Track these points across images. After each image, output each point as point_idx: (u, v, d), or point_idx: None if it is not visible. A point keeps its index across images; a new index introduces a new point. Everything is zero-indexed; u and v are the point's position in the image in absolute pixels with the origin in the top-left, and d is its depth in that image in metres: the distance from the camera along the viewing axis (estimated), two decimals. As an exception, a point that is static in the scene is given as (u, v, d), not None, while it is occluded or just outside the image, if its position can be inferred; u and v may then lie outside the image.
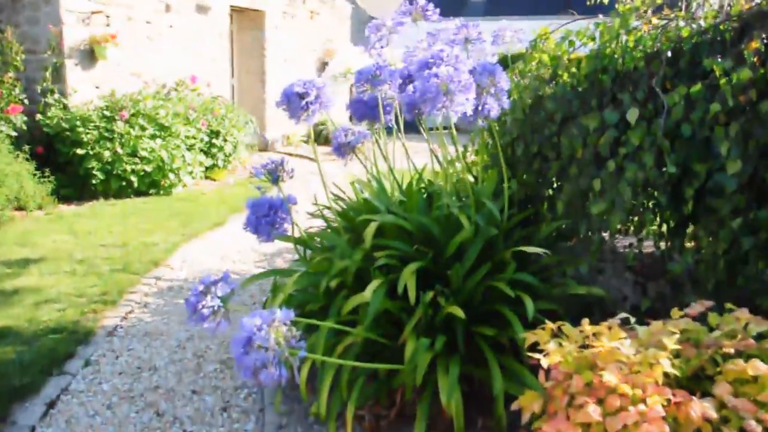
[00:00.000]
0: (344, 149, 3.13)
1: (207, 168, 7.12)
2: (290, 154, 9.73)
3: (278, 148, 9.95)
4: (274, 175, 2.49)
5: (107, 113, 6.02)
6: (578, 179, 2.52)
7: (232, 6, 8.73)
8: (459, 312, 2.06)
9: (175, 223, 5.28)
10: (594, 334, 1.43)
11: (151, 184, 6.19)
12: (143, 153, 5.99)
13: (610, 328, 1.46)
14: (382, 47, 3.16)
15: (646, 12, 2.82)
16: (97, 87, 6.55)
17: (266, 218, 2.39)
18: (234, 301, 3.66)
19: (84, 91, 6.39)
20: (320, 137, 11.08)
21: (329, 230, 2.80)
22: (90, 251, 4.40)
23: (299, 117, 2.34)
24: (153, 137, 6.14)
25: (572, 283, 2.35)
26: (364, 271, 2.38)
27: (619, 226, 2.49)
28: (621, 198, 2.32)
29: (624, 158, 2.35)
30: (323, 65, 11.31)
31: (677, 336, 1.35)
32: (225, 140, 7.25)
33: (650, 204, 2.37)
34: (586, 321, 1.50)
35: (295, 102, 2.30)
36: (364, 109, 2.83)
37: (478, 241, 2.32)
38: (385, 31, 3.02)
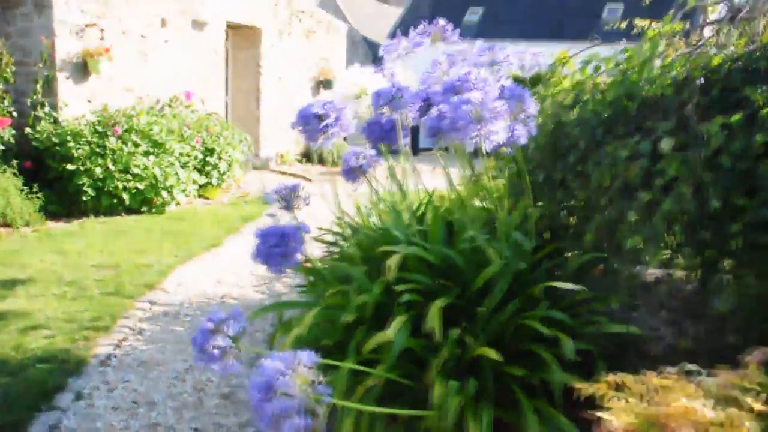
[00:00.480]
0: (356, 173, 2.98)
1: (201, 186, 6.94)
2: (284, 173, 9.59)
3: (272, 166, 9.79)
4: (289, 202, 2.33)
5: (99, 128, 5.85)
6: (608, 210, 2.41)
7: (228, 22, 8.63)
8: (492, 354, 1.91)
9: (168, 244, 5.09)
10: (660, 387, 1.30)
11: (143, 202, 6.00)
12: (136, 170, 5.81)
13: (675, 379, 1.33)
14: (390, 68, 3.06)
15: (673, 38, 2.74)
16: (89, 101, 6.37)
17: (278, 248, 2.22)
18: (233, 329, 3.48)
19: (75, 105, 6.22)
20: (314, 156, 10.96)
21: (341, 259, 2.64)
22: (80, 272, 4.20)
23: (317, 139, 2.20)
24: (146, 154, 5.96)
25: (605, 320, 2.22)
26: (382, 305, 2.23)
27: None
28: (655, 232, 2.21)
29: (660, 190, 2.24)
30: (318, 84, 11.24)
31: (763, 395, 1.23)
32: (219, 158, 7.09)
33: (688, 238, 2.25)
34: (651, 374, 1.37)
35: (313, 124, 2.17)
36: (379, 132, 2.70)
37: (507, 276, 2.19)
38: (402, 51, 2.91)
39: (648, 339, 2.23)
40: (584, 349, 2.12)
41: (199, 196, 7.03)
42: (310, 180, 9.24)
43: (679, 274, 2.39)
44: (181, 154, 6.35)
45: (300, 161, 10.75)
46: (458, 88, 2.20)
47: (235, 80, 9.40)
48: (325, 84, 11.35)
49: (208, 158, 6.94)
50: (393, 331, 1.97)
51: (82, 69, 6.27)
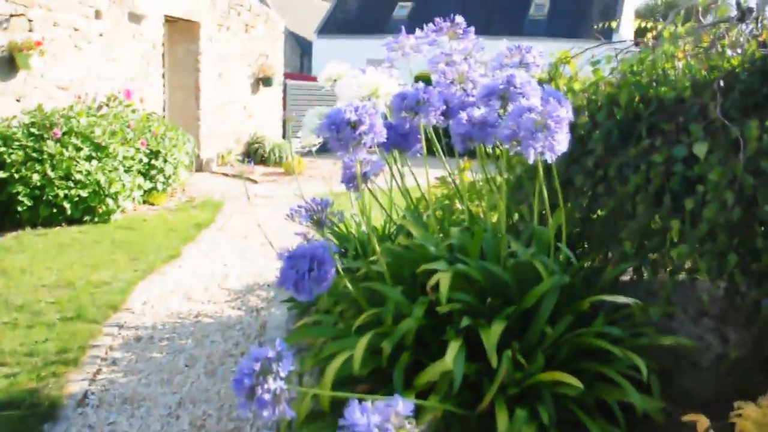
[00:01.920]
0: (354, 181, 2.74)
1: (146, 192, 6.45)
2: (227, 175, 9.15)
3: (214, 168, 9.32)
4: (322, 221, 2.09)
5: (35, 131, 5.29)
6: (640, 217, 2.32)
7: (166, 16, 8.09)
8: (570, 379, 1.76)
9: (123, 257, 4.66)
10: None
11: (86, 211, 5.48)
12: (78, 176, 5.29)
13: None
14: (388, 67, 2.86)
15: (693, 38, 2.70)
16: (17, 101, 5.76)
17: (311, 273, 1.97)
18: (219, 352, 3.19)
19: (2, 106, 5.60)
20: (255, 156, 10.55)
21: (365, 277, 2.41)
22: (30, 294, 3.74)
23: (348, 149, 1.97)
24: (89, 158, 5.45)
25: (651, 332, 2.13)
26: (422, 328, 2.04)
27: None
28: (695, 239, 2.14)
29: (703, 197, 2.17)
30: (258, 81, 10.81)
31: None
32: (165, 161, 6.62)
33: (733, 245, 2.19)
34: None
35: (345, 132, 1.93)
36: (394, 137, 2.49)
37: (554, 291, 2.05)
38: (408, 49, 2.71)
39: (697, 349, 2.16)
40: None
41: (144, 202, 6.54)
42: (255, 181, 8.87)
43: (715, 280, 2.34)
44: (125, 158, 5.86)
45: (242, 161, 10.30)
46: (502, 93, 2.03)
47: (174, 77, 8.86)
48: (265, 81, 10.94)
49: (153, 161, 6.46)
50: (450, 359, 1.79)
51: (8, 65, 5.66)
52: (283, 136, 11.89)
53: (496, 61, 2.41)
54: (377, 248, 2.15)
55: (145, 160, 6.35)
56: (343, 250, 3.42)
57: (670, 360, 2.13)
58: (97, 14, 6.68)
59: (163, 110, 8.43)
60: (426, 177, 2.53)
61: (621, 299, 2.02)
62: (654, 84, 2.70)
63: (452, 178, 3.86)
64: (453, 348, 1.82)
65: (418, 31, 2.77)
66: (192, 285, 4.22)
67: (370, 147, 2.02)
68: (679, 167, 2.29)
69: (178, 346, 3.22)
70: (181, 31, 8.83)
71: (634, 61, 2.71)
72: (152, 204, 6.59)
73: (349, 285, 2.14)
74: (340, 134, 1.93)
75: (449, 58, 2.49)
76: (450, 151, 2.67)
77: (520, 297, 2.06)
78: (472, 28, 2.61)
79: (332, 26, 25.60)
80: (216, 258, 4.93)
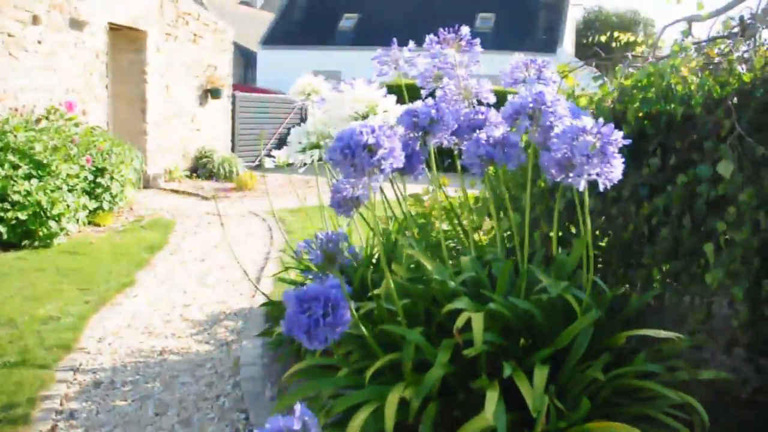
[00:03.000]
0: (349, 204, 2.48)
1: (91, 212, 5.96)
2: (176, 191, 8.68)
3: (161, 184, 8.81)
4: (336, 259, 1.82)
5: (-35, 147, 4.77)
6: (666, 242, 2.17)
7: (110, 23, 7.61)
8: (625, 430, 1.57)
9: (70, 286, 4.21)
10: None
11: (25, 235, 4.98)
12: (16, 197, 4.80)
13: None
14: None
15: (699, 54, 2.59)
16: (-56, 113, 5.22)
17: (326, 319, 1.70)
18: (192, 395, 2.85)
19: (-73, 119, 5.05)
20: (204, 171, 10.08)
21: (372, 318, 2.15)
22: (-37, 336, 3.28)
23: (363, 177, 1.72)
24: (27, 177, 4.96)
25: (686, 365, 1.97)
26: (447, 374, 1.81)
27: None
28: (727, 263, 2.01)
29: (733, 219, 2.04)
30: (206, 93, 10.36)
31: None
32: (112, 179, 6.15)
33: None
34: None
35: (361, 156, 1.68)
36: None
37: (590, 328, 1.86)
38: (402, 63, 2.49)
39: (734, 383, 2.01)
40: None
41: (89, 222, 6.04)
42: (206, 198, 8.42)
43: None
44: (69, 176, 5.38)
45: (189, 176, 9.82)
46: (531, 111, 1.84)
47: (118, 88, 8.34)
48: (214, 93, 10.50)
49: (99, 179, 5.98)
50: (491, 413, 1.56)
51: (-67, 74, 5.11)
52: (232, 150, 11.45)
53: (509, 76, 2.22)
54: (391, 284, 1.89)
55: (90, 177, 5.88)
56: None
57: (709, 395, 1.97)
58: (35, 20, 6.17)
59: (107, 124, 7.90)
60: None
61: (663, 334, 1.85)
62: (661, 100, 2.59)
63: (431, 195, 3.65)
64: (492, 400, 1.59)
65: (410, 43, 2.57)
66: (151, 317, 3.84)
67: (388, 174, 1.77)
68: (704, 188, 2.16)
69: (145, 391, 2.86)
70: (126, 39, 8.33)
71: (641, 76, 2.59)
72: (98, 225, 6.10)
73: (362, 328, 1.87)
74: (355, 159, 1.68)
75: (449, 71, 2.27)
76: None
77: (551, 335, 1.86)
78: (478, 40, 2.41)
79: (277, 37, 25.21)
80: (174, 285, 4.55)
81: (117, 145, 6.42)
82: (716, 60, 2.62)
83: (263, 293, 3.96)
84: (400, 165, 1.75)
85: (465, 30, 2.34)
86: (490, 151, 1.97)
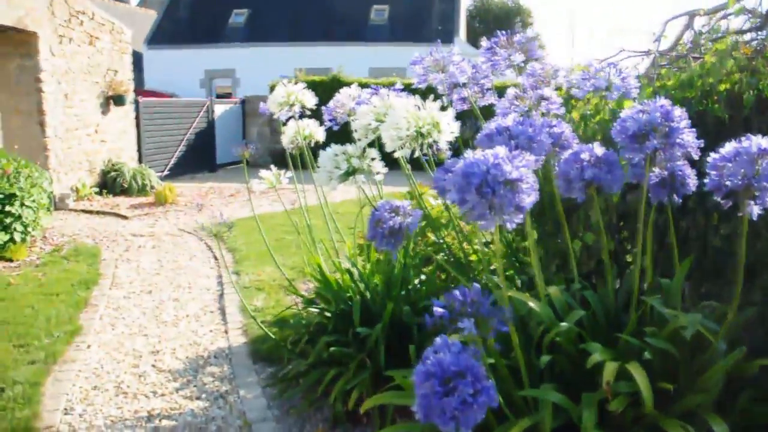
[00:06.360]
0: (396, 236, 2.15)
1: (1, 246, 5.12)
2: (90, 212, 7.78)
3: (71, 204, 7.85)
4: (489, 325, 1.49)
5: None
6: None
7: (-5, 25, 6.61)
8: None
9: (2, 344, 3.52)
10: None
11: (-73, 284, 4.14)
12: None
13: None
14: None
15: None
16: None
17: (476, 398, 1.35)
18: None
19: None
20: (115, 186, 9.16)
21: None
22: None
23: (499, 216, 1.40)
24: (-74, 214, 4.12)
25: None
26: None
27: None
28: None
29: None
30: (108, 100, 9.39)
31: None
32: (23, 205, 5.32)
33: None
34: None
35: (502, 195, 1.35)
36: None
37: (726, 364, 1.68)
38: (453, 68, 2.18)
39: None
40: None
41: (0, 259, 5.19)
42: (126, 217, 7.62)
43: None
44: (-26, 208, 4.56)
45: (99, 193, 8.87)
46: (661, 129, 1.61)
47: (8, 100, 7.29)
48: (117, 100, 9.55)
49: (8, 207, 5.14)
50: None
51: None
52: (140, 160, 10.51)
53: (587, 83, 1.97)
54: (515, 339, 1.60)
55: (-2, 207, 5.04)
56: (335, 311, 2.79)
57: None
58: None
59: None
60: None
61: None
62: (703, 101, 2.47)
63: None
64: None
65: (453, 47, 2.26)
66: (119, 372, 3.27)
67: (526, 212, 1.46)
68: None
69: (149, 475, 2.37)
70: (12, 43, 7.30)
71: (685, 76, 2.45)
72: (10, 260, 5.26)
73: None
74: (494, 198, 1.36)
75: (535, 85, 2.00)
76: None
77: (688, 374, 1.66)
78: (537, 44, 2.15)
79: (163, 36, 23.72)
80: (128, 327, 3.95)
81: (25, 167, 5.56)
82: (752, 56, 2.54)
83: (268, 332, 3.51)
84: (535, 199, 1.46)
85: (531, 33, 2.06)
86: (597, 174, 1.73)
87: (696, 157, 1.78)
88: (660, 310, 1.73)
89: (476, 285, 1.47)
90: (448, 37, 21.32)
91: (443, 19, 22.68)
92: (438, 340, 1.46)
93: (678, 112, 1.63)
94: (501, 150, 1.43)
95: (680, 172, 1.86)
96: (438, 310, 1.45)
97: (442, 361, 1.38)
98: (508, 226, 1.42)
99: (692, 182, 1.89)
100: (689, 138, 1.71)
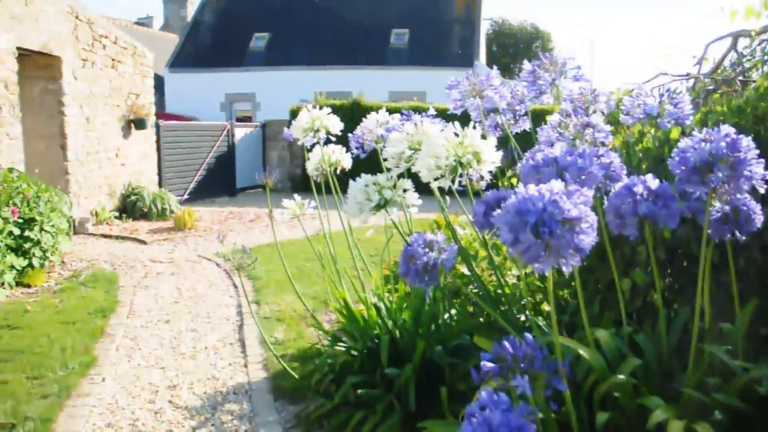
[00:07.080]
0: (430, 274, 1.99)
1: (19, 272, 5.05)
2: (110, 236, 7.73)
3: (90, 229, 7.82)
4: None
5: None
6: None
7: (19, 48, 6.64)
8: None
9: (16, 375, 3.40)
10: None
11: (-57, 311, 4.06)
12: (-69, 266, 3.89)
13: None
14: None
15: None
16: None
17: None
18: None
19: None
20: (135, 210, 9.12)
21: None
22: None
23: (556, 258, 1.25)
24: (-56, 240, 4.06)
25: None
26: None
27: None
28: None
29: None
30: (129, 124, 9.42)
31: None
32: (42, 230, 5.26)
33: None
34: None
35: (560, 236, 1.20)
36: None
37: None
38: (491, 93, 2.05)
39: None
40: None
41: (18, 284, 5.12)
42: (145, 242, 7.54)
43: None
44: (-7, 233, 4.50)
45: (119, 217, 8.83)
46: (730, 161, 1.45)
47: (32, 123, 7.32)
48: (138, 123, 9.57)
49: (27, 232, 5.08)
50: None
51: None
52: (160, 184, 10.50)
53: (637, 111, 1.82)
54: (568, 396, 1.43)
55: (17, 231, 4.98)
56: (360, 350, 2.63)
57: None
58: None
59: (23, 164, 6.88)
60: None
61: None
62: (755, 127, 2.30)
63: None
64: None
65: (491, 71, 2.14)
66: (134, 408, 3.13)
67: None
68: None
69: None
70: (37, 66, 7.34)
71: (740, 101, 2.30)
72: (29, 286, 5.18)
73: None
74: (551, 238, 1.21)
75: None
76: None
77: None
78: (578, 65, 2.01)
79: (185, 60, 24.04)
80: (145, 359, 3.82)
81: (45, 191, 5.52)
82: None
83: (289, 369, 3.36)
84: (595, 240, 1.30)
85: (575, 58, 1.92)
86: (652, 209, 1.57)
87: (762, 191, 1.62)
88: (729, 363, 1.55)
89: (529, 336, 1.31)
90: (468, 61, 21.27)
91: (463, 43, 22.69)
92: (483, 394, 1.30)
93: (745, 141, 1.48)
94: (556, 184, 1.28)
95: (745, 207, 1.70)
96: (486, 364, 1.29)
97: (490, 421, 1.22)
98: (565, 269, 1.27)
99: (759, 218, 1.72)
100: (758, 170, 1.56)
